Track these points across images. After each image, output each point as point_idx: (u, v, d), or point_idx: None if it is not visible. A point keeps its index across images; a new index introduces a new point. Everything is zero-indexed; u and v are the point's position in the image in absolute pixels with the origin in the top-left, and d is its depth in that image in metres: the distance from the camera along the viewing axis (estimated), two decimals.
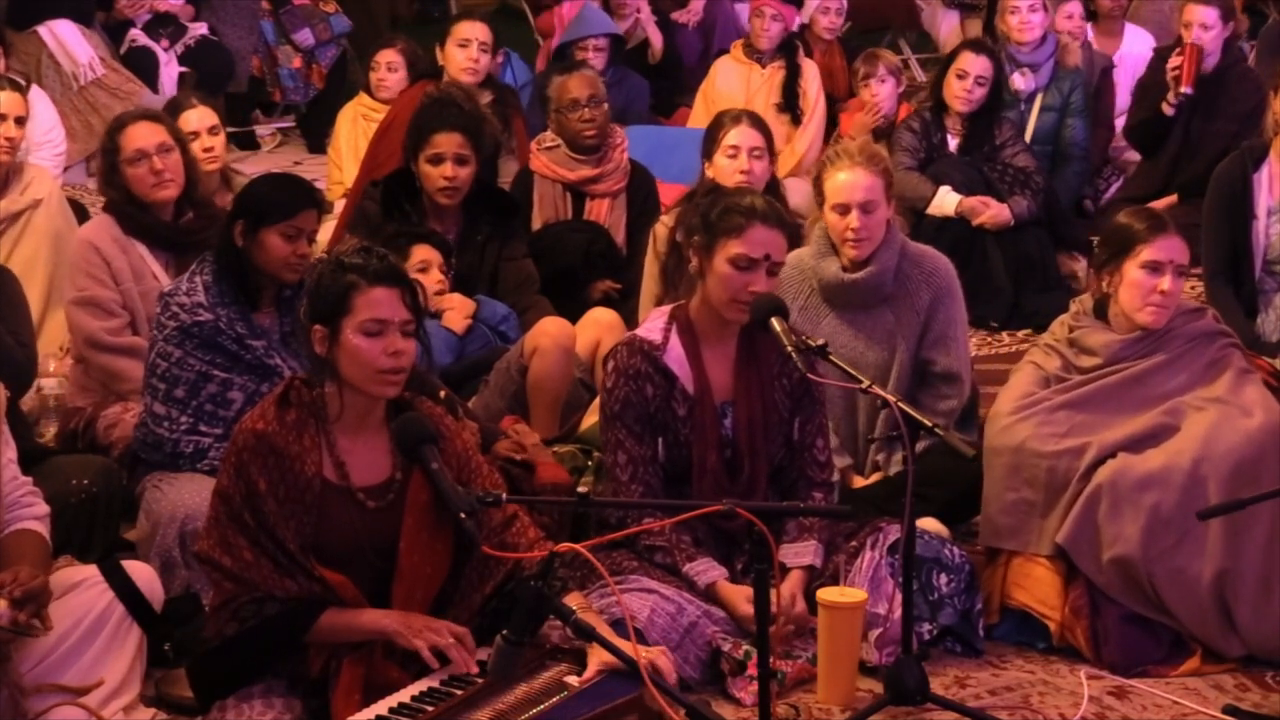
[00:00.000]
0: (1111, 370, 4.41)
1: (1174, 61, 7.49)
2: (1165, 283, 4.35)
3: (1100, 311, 4.51)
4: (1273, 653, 4.18)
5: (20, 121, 6.11)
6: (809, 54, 8.59)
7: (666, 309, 4.36)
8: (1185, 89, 7.43)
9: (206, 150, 5.96)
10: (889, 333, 4.80)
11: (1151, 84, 7.70)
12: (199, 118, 6.03)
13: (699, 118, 8.26)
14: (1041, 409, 4.38)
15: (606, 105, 6.42)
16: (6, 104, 6.04)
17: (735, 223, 4.18)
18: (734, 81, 8.29)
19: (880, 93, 7.90)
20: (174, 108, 6.14)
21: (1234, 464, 4.17)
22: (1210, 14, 7.49)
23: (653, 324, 4.33)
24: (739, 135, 5.56)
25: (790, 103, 8.16)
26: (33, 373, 5.02)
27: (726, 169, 5.51)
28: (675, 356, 4.26)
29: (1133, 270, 4.38)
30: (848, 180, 4.74)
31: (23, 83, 7.51)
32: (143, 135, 5.11)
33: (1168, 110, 7.49)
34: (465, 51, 7.20)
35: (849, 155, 4.80)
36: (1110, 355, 4.42)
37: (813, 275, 4.83)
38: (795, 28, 8.67)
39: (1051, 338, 4.58)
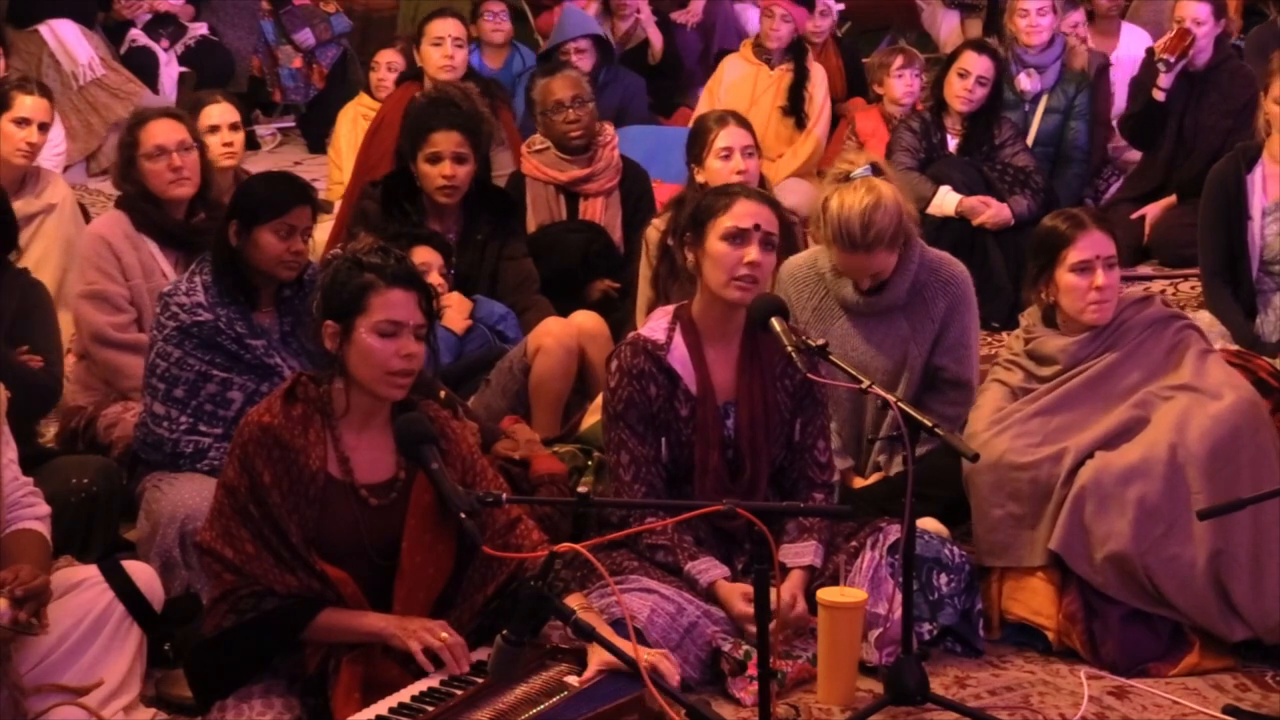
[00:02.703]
0: (1074, 373, 4.44)
1: (1160, 42, 7.50)
2: (1098, 278, 4.40)
3: (1049, 320, 4.55)
4: (1273, 631, 4.19)
5: (44, 127, 6.14)
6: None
7: (670, 309, 4.36)
8: (1167, 55, 7.39)
9: (226, 145, 6.02)
10: (902, 340, 4.78)
11: (1146, 79, 7.71)
12: (221, 113, 6.07)
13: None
14: (1014, 421, 4.43)
15: (592, 105, 6.41)
16: (33, 109, 6.11)
17: (720, 202, 4.24)
18: (741, 80, 8.28)
19: (915, 84, 7.89)
20: (197, 102, 6.17)
21: (1209, 447, 4.21)
22: (1203, 10, 7.50)
23: (656, 324, 4.33)
24: (730, 136, 5.55)
25: (795, 106, 8.15)
26: (58, 395, 4.98)
27: (720, 171, 5.49)
28: (679, 356, 4.26)
29: (1064, 275, 4.43)
30: (854, 263, 4.67)
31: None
32: (164, 132, 5.13)
33: (1158, 95, 7.49)
34: (440, 50, 7.22)
35: (852, 240, 4.57)
36: (1069, 359, 4.45)
37: (830, 284, 4.81)
38: (805, 30, 8.66)
39: (1009, 353, 4.62)
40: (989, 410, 4.49)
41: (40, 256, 5.97)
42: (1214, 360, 4.46)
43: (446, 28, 7.27)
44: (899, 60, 7.95)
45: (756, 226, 4.18)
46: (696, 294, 4.29)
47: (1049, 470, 4.30)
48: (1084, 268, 4.40)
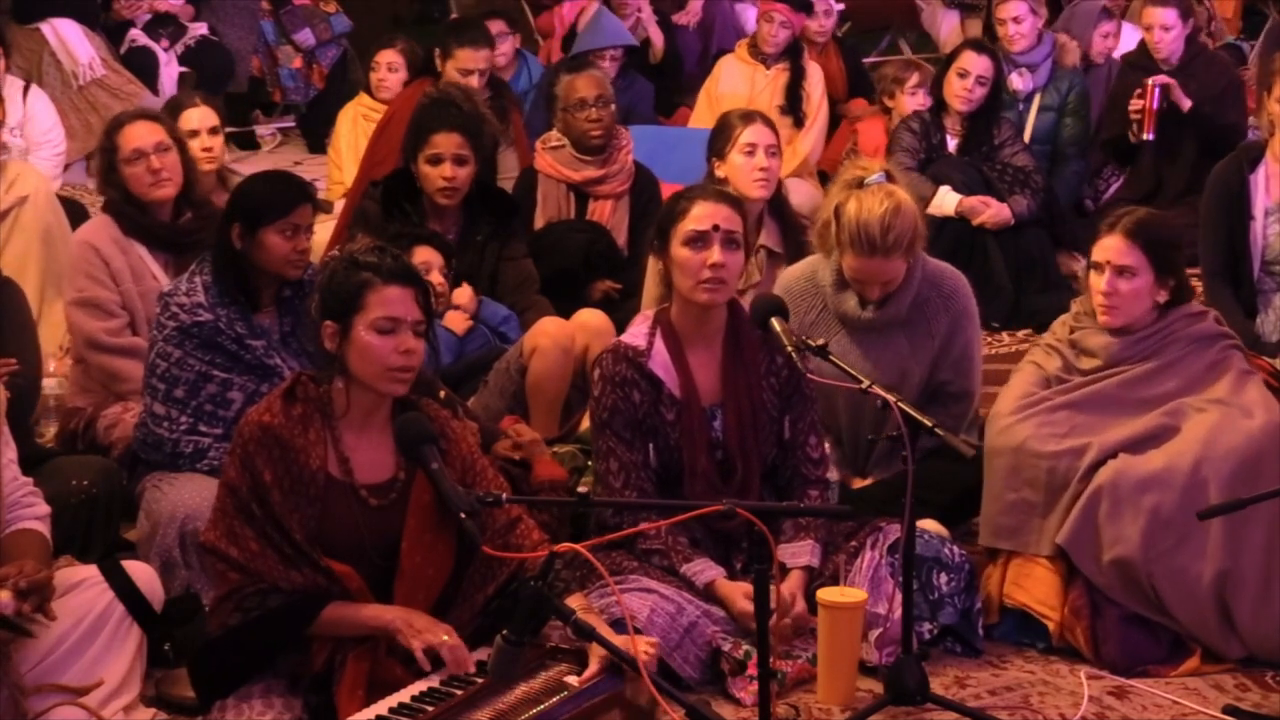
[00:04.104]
0: (1111, 373, 4.41)
1: (1135, 105, 7.48)
2: (1103, 283, 4.39)
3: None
4: (1272, 653, 4.18)
5: None
6: None
7: (650, 314, 4.36)
8: (1147, 135, 7.43)
9: (205, 149, 5.96)
10: (901, 357, 4.73)
11: (1120, 93, 7.71)
12: (200, 117, 6.04)
13: (702, 116, 8.26)
14: (1042, 409, 4.38)
15: (614, 106, 6.42)
16: None
17: (679, 207, 4.25)
18: (738, 81, 8.29)
19: (928, 104, 7.85)
20: (175, 106, 6.16)
21: (1235, 465, 4.17)
22: (1169, 15, 7.52)
23: (636, 330, 4.33)
24: (755, 133, 5.54)
25: (793, 105, 8.16)
26: (36, 394, 4.97)
27: (743, 166, 5.50)
28: (660, 361, 4.25)
29: (1088, 271, 4.45)
30: (870, 268, 4.60)
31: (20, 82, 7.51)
32: (140, 135, 5.11)
33: (1134, 139, 7.53)
34: (468, 80, 7.09)
35: (871, 244, 4.52)
36: (1110, 357, 4.42)
37: (829, 298, 4.77)
38: (808, 31, 8.68)
39: (1053, 337, 4.58)
40: (1018, 393, 4.45)
41: (22, 250, 5.94)
42: (1254, 382, 4.40)
43: (476, 60, 7.05)
44: (915, 77, 7.85)
45: (715, 227, 4.18)
46: (674, 298, 4.29)
47: (1069, 463, 4.27)
48: (1094, 268, 4.41)
